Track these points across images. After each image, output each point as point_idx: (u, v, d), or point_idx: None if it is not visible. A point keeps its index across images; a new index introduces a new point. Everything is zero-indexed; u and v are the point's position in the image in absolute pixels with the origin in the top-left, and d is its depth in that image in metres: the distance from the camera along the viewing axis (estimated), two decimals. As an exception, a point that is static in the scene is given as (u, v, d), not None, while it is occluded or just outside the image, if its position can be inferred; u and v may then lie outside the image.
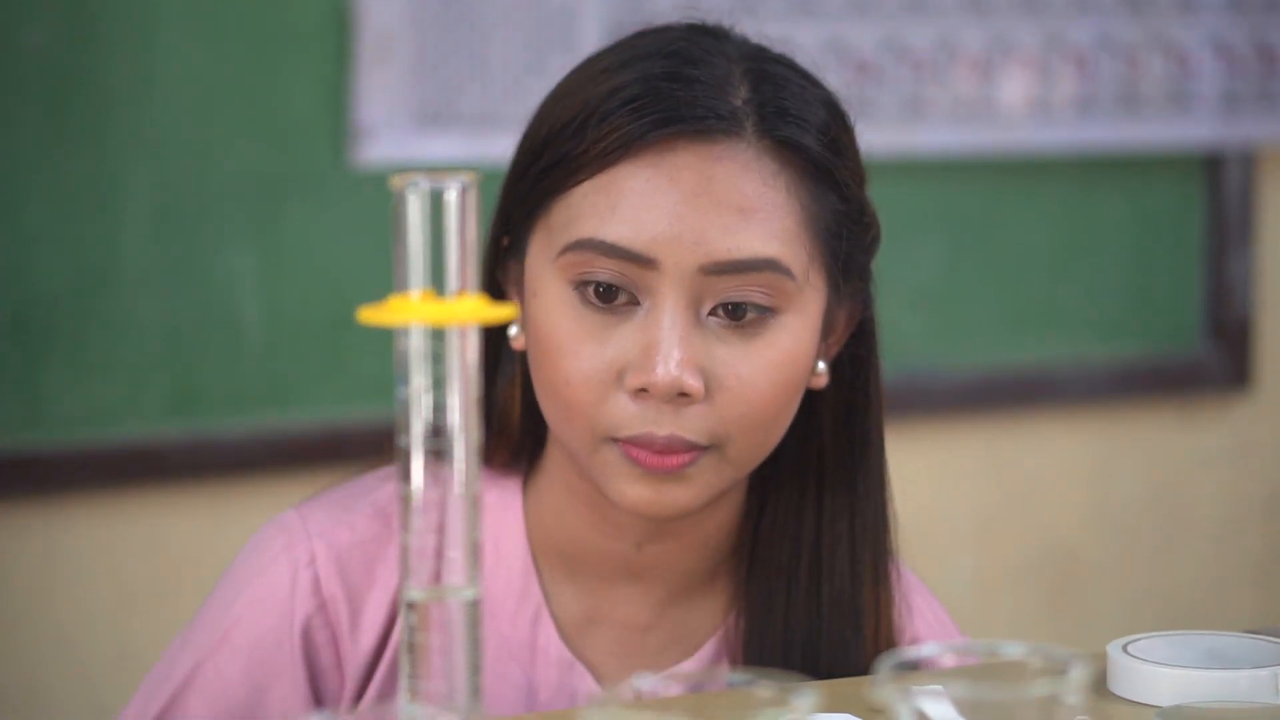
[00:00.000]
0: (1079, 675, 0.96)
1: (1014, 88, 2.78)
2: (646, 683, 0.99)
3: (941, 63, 2.74)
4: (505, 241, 1.39)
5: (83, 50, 2.32)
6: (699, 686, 1.03)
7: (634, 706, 0.97)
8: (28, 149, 2.31)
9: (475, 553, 1.00)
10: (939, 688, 0.97)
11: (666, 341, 1.29)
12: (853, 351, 1.42)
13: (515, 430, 1.43)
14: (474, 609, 1.00)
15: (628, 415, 1.30)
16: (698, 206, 1.30)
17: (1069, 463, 2.97)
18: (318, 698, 1.40)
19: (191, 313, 2.39)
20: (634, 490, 1.32)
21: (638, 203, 1.30)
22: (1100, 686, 1.33)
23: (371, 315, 0.99)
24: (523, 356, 1.40)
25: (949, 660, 1.21)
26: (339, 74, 2.43)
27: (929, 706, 0.96)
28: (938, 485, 2.85)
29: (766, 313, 1.31)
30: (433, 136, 2.44)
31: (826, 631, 1.42)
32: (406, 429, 0.99)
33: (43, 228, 2.32)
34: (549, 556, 1.43)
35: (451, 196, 0.98)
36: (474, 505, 1.00)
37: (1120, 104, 2.85)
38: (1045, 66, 2.80)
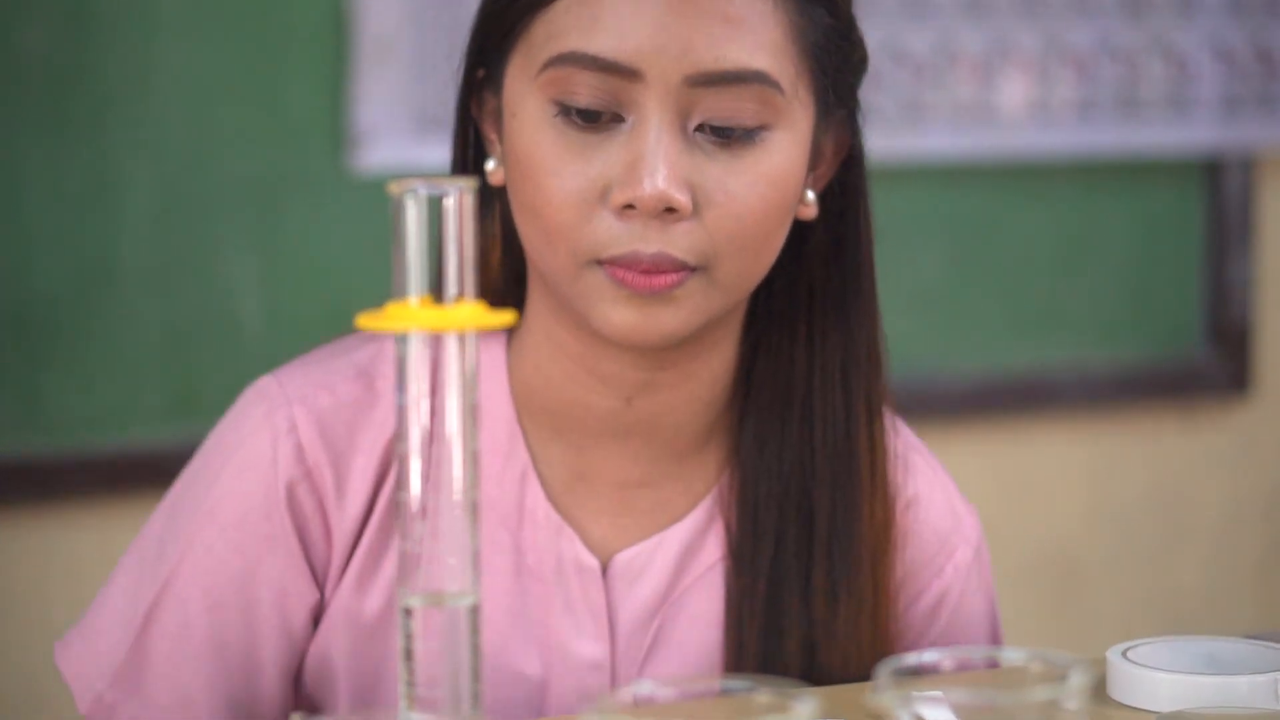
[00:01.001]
0: (1079, 681, 0.96)
1: (1014, 91, 2.78)
2: (646, 689, 0.99)
3: (941, 66, 2.74)
4: (481, 74, 1.35)
5: (82, 51, 2.32)
6: (698, 693, 1.03)
7: (633, 712, 0.97)
8: (27, 150, 2.31)
9: (474, 559, 1.00)
10: (938, 693, 0.97)
11: (652, 155, 1.25)
12: (841, 179, 1.38)
13: (496, 277, 1.38)
14: (473, 615, 0.99)
15: (613, 234, 1.26)
16: (683, 14, 1.25)
17: (1069, 466, 2.96)
18: (309, 566, 1.36)
19: (191, 316, 2.39)
20: (619, 314, 1.27)
21: (621, 12, 1.26)
22: (1100, 692, 1.33)
23: (370, 321, 0.99)
24: (501, 197, 1.36)
25: (948, 665, 1.20)
26: (338, 77, 2.43)
27: (928, 712, 0.96)
28: (938, 489, 2.85)
29: (755, 130, 1.28)
30: (431, 140, 2.43)
31: (821, 478, 1.39)
32: (405, 436, 0.99)
33: (42, 229, 2.32)
34: (535, 415, 1.38)
35: (450, 202, 0.98)
36: (472, 511, 0.99)
37: (1120, 107, 2.84)
38: (1045, 70, 2.80)
